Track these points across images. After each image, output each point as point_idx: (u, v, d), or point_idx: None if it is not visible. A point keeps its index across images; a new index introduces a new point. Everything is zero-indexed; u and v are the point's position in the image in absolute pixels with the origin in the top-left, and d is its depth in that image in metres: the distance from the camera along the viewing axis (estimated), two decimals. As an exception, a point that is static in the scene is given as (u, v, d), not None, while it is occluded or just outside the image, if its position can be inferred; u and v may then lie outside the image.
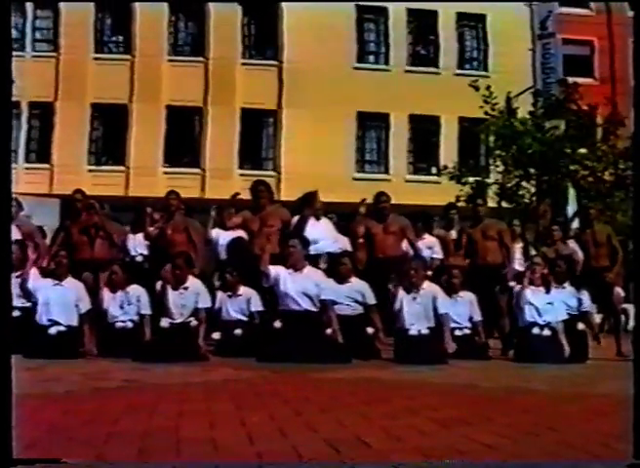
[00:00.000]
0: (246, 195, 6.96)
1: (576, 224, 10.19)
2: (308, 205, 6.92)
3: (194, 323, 6.13)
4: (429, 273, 6.84)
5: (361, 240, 7.17)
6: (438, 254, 7.53)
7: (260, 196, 6.78)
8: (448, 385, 4.52)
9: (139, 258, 7.24)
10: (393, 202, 7.22)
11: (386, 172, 19.35)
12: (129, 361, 5.42)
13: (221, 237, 7.37)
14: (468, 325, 6.43)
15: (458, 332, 6.32)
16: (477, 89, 14.87)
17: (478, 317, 6.47)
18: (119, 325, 6.06)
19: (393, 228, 6.97)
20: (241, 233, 6.92)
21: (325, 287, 6.08)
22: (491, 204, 13.13)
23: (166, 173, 18.36)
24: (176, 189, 7.48)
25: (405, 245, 7.10)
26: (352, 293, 6.28)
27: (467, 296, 6.49)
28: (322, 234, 7.08)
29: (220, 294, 6.40)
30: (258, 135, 19.13)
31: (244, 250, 6.72)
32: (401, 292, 6.20)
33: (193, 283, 6.22)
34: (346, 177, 18.49)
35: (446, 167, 16.13)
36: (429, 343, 5.94)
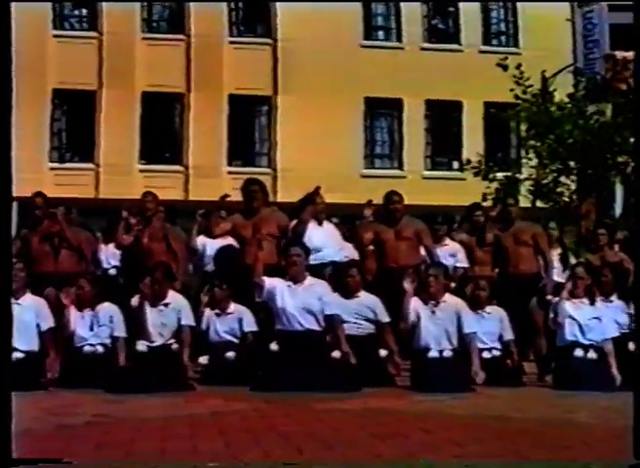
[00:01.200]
0: (237, 197, 7.04)
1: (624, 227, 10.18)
2: (309, 207, 6.95)
3: (177, 345, 6.16)
4: (452, 285, 6.84)
5: (370, 247, 7.19)
6: (462, 263, 7.51)
7: (252, 197, 6.80)
8: (474, 417, 4.50)
9: (111, 271, 7.28)
10: (407, 202, 7.21)
11: (400, 167, 19.42)
12: (100, 392, 5.45)
13: (208, 246, 7.42)
14: (498, 345, 6.43)
15: (486, 355, 6.31)
16: (506, 68, 14.87)
17: (509, 336, 6.47)
18: (88, 349, 6.06)
19: (407, 233, 6.99)
20: (231, 241, 6.96)
21: (330, 301, 6.15)
22: (523, 203, 13.12)
23: (142, 171, 18.42)
24: (154, 190, 7.53)
25: (421, 253, 7.14)
26: (361, 310, 6.33)
27: (497, 312, 6.49)
28: (325, 241, 7.11)
29: (207, 312, 6.43)
30: (249, 126, 19.19)
31: (234, 260, 6.74)
32: (417, 303, 6.19)
33: (175, 298, 6.27)
34: (353, 175, 18.54)
35: (470, 161, 16.15)
36: (452, 368, 5.95)
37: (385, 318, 6.37)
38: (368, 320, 6.34)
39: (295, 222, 6.86)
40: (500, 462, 2.21)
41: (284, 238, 6.70)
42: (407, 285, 6.14)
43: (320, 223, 7.21)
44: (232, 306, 6.42)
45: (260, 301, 6.14)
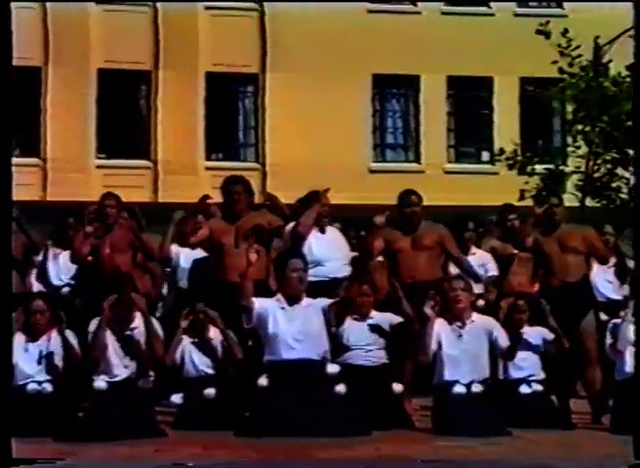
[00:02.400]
0: (217, 197, 7.12)
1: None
2: (314, 206, 7.00)
3: (145, 380, 6.18)
4: (481, 303, 6.87)
5: (380, 258, 7.25)
6: (492, 275, 7.62)
7: (235, 199, 6.86)
8: (509, 466, 4.52)
9: (64, 290, 7.32)
10: (427, 203, 7.27)
11: (417, 160, 19.47)
12: (48, 441, 5.43)
13: (183, 257, 7.49)
14: (540, 376, 6.45)
15: (524, 389, 6.34)
16: (548, 35, 14.87)
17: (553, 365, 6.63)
18: (33, 387, 6.11)
19: (427, 241, 7.04)
20: (209, 251, 7.03)
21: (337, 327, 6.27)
22: (570, 202, 13.15)
23: (101, 167, 18.47)
24: (115, 190, 7.59)
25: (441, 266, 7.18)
26: (374, 336, 6.42)
27: (538, 335, 6.58)
28: (328, 252, 7.16)
29: (181, 340, 6.47)
30: (231, 111, 19.27)
31: (214, 275, 6.81)
32: (439, 325, 6.23)
33: (145, 306, 6.35)
34: (359, 170, 18.62)
35: (503, 151, 16.20)
36: (484, 405, 5.96)
37: (402, 345, 6.44)
38: (381, 348, 6.41)
39: (290, 225, 6.91)
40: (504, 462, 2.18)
41: (276, 246, 6.79)
42: (428, 310, 6.19)
43: (322, 230, 7.25)
44: (212, 331, 6.45)
45: (248, 327, 6.21)
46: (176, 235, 7.22)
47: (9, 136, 3.17)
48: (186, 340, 6.45)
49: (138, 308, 6.25)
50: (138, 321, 6.29)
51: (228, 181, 7.01)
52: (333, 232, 7.41)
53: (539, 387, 6.41)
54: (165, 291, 7.73)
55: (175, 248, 7.39)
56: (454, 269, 7.14)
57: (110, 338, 6.20)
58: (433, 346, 6.18)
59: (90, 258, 7.09)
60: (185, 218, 7.24)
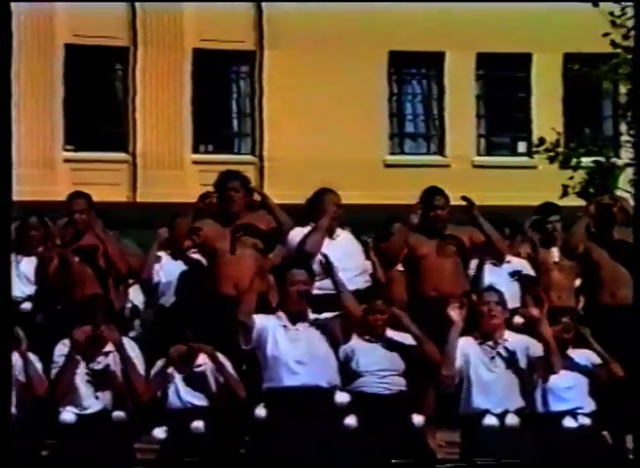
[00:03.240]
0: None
1: None
2: (318, 211, 7.06)
3: (121, 413, 6.20)
4: (518, 320, 6.88)
5: (400, 267, 7.27)
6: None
7: (231, 198, 6.93)
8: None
9: (24, 306, 7.33)
10: (453, 203, 7.32)
11: (441, 152, 19.47)
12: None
13: (169, 267, 7.54)
14: (589, 408, 6.46)
15: (569, 422, 6.33)
16: (596, 3, 14.85)
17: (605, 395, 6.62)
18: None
19: (455, 247, 7.13)
20: (199, 259, 7.11)
21: (347, 348, 6.27)
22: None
23: (68, 161, 18.48)
24: (86, 189, 7.61)
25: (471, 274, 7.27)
26: (391, 359, 6.44)
27: (585, 360, 6.56)
28: (339, 260, 7.08)
29: (164, 367, 6.48)
30: (223, 95, 19.30)
31: (205, 286, 6.85)
32: (467, 344, 6.26)
33: (119, 340, 6.36)
34: (374, 163, 18.64)
35: (543, 140, 16.18)
36: (520, 439, 5.97)
37: (423, 370, 6.47)
38: (399, 373, 6.43)
39: (296, 233, 6.96)
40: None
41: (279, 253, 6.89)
42: (453, 313, 6.24)
43: (332, 236, 7.30)
44: (201, 357, 6.46)
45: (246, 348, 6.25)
46: (166, 242, 7.28)
47: (9, 137, 3.59)
48: (171, 368, 6.46)
49: (112, 340, 6.28)
50: (111, 345, 6.33)
51: (224, 177, 7.08)
52: (344, 237, 7.44)
53: (587, 421, 6.40)
54: (141, 305, 7.79)
55: (164, 257, 7.49)
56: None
57: (81, 368, 6.24)
58: (459, 362, 6.21)
59: (55, 269, 7.09)
60: (174, 221, 7.29)
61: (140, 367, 6.37)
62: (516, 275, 7.57)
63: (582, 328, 6.58)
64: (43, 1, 17.62)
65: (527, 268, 7.68)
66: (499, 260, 7.48)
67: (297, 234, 7.07)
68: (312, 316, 6.30)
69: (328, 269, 6.35)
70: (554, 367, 6.29)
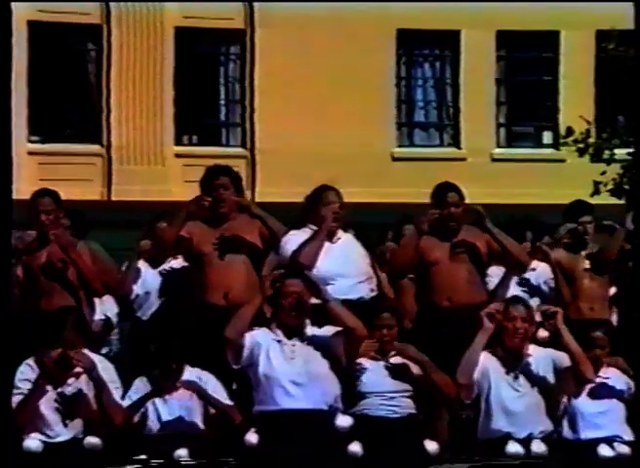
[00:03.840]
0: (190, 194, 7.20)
1: None
2: (318, 211, 7.09)
3: (94, 439, 6.19)
4: (543, 334, 6.90)
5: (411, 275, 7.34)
6: (556, 294, 7.67)
7: (220, 196, 6.95)
8: None
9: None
10: (469, 201, 7.37)
11: (455, 144, 19.48)
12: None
13: (147, 276, 7.60)
14: (627, 435, 6.47)
15: (604, 451, 6.33)
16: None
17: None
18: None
19: (471, 251, 7.16)
20: (183, 264, 7.19)
21: (349, 366, 6.32)
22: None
23: (34, 153, 18.45)
24: (53, 186, 7.59)
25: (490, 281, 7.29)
26: (398, 378, 6.47)
27: (622, 380, 6.59)
28: (339, 266, 7.21)
29: (145, 390, 6.49)
30: (210, 79, 19.29)
31: (191, 296, 6.89)
32: (487, 360, 6.28)
33: (90, 364, 6.36)
34: (379, 157, 18.63)
35: (571, 131, 16.16)
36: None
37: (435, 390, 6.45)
38: (408, 395, 6.45)
39: (292, 235, 6.98)
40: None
41: (273, 258, 6.88)
42: (486, 316, 6.28)
43: (332, 239, 7.31)
44: (187, 373, 6.49)
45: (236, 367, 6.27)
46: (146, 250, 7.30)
47: (8, 135, 3.90)
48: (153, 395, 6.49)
49: (83, 363, 6.29)
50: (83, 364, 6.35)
51: (211, 172, 7.09)
52: (346, 240, 7.45)
53: (625, 449, 6.39)
54: (115, 318, 7.82)
55: (143, 266, 7.58)
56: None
57: (48, 394, 6.25)
58: (476, 375, 6.24)
59: (20, 276, 7.08)
60: (158, 226, 7.33)
61: (115, 389, 6.38)
62: (541, 283, 7.60)
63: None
64: (43, 0, 17.77)
65: (550, 274, 7.72)
66: (520, 272, 7.50)
67: (292, 239, 7.09)
68: (311, 330, 6.31)
69: (313, 289, 6.35)
70: (585, 375, 6.32)
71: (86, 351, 6.42)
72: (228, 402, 6.40)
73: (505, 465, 6.03)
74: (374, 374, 6.43)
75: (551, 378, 6.30)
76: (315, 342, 6.27)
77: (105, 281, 7.03)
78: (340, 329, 6.29)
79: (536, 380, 6.28)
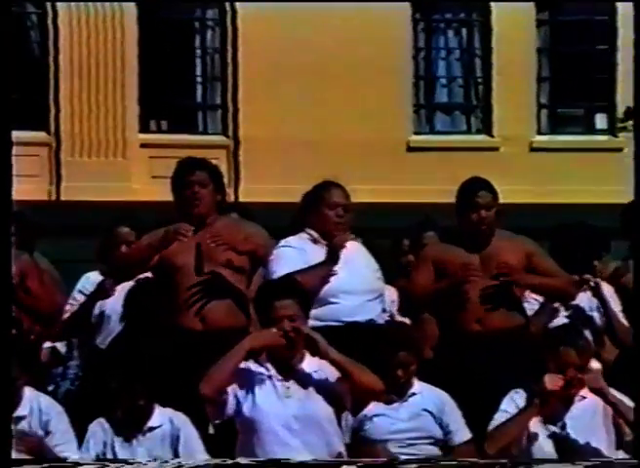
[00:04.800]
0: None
1: None
2: (317, 213, 7.18)
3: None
4: (596, 366, 6.92)
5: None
6: (618, 321, 7.66)
7: (196, 195, 7.01)
8: None
9: None
10: (503, 201, 7.42)
11: (486, 130, 19.50)
12: None
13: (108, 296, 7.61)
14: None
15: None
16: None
17: None
18: None
19: (505, 265, 7.22)
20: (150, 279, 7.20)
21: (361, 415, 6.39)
22: None
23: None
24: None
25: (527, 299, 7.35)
26: (421, 422, 6.59)
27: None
28: (343, 282, 7.27)
29: (104, 437, 6.50)
30: (182, 51, 19.35)
31: (161, 319, 6.95)
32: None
33: (32, 401, 6.42)
34: (392, 146, 18.65)
35: (630, 112, 16.16)
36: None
37: (464, 435, 6.57)
38: (433, 440, 6.52)
39: (285, 245, 7.06)
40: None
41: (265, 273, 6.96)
42: (549, 381, 6.41)
43: (334, 247, 7.32)
44: (157, 416, 6.51)
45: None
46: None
47: (9, 133, 4.59)
48: (110, 433, 6.52)
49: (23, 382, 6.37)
50: (27, 403, 6.41)
51: (184, 167, 7.13)
52: (352, 249, 7.45)
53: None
54: (63, 348, 7.86)
55: (96, 277, 7.60)
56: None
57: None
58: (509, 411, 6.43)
59: None
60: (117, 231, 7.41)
61: (66, 443, 6.44)
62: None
63: None
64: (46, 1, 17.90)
65: (610, 293, 7.76)
66: (567, 302, 7.56)
67: (285, 252, 7.14)
68: (309, 364, 6.32)
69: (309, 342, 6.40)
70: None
71: (28, 391, 6.47)
72: (202, 455, 6.42)
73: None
74: (388, 418, 6.51)
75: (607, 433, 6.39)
76: (315, 380, 6.28)
77: (55, 303, 7.06)
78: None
79: (587, 431, 6.40)
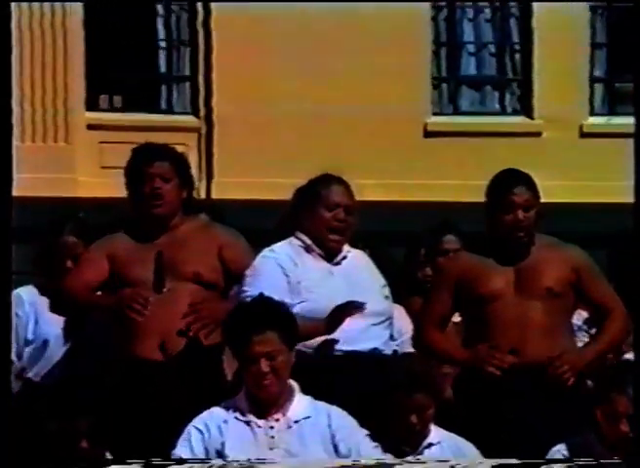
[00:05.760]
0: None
1: None
2: (313, 214, 7.27)
3: None
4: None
5: (456, 318, 7.50)
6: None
7: (156, 192, 7.10)
8: None
9: None
10: (547, 200, 7.50)
11: (525, 110, 19.54)
12: None
13: (45, 318, 7.69)
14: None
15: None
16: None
17: None
18: None
19: (548, 278, 7.32)
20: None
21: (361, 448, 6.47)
22: None
23: None
24: None
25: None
26: None
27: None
28: (346, 299, 7.29)
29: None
30: (141, 11, 19.42)
31: (111, 346, 7.04)
32: None
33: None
34: (407, 130, 18.64)
35: None
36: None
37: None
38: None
39: (257, 264, 7.10)
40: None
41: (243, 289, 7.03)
42: None
43: (333, 257, 7.46)
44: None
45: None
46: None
47: (9, 132, 5.38)
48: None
49: None
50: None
51: (142, 155, 7.26)
52: (354, 260, 7.58)
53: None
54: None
55: (29, 296, 7.71)
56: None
57: None
58: None
59: None
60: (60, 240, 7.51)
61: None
62: None
63: None
64: (44, 0, 18.02)
65: None
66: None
67: (267, 261, 7.21)
68: (300, 403, 6.41)
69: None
70: None
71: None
72: None
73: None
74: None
75: None
76: (306, 426, 6.39)
77: None
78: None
79: None
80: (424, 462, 6.47)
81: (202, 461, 6.09)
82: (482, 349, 7.08)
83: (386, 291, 7.56)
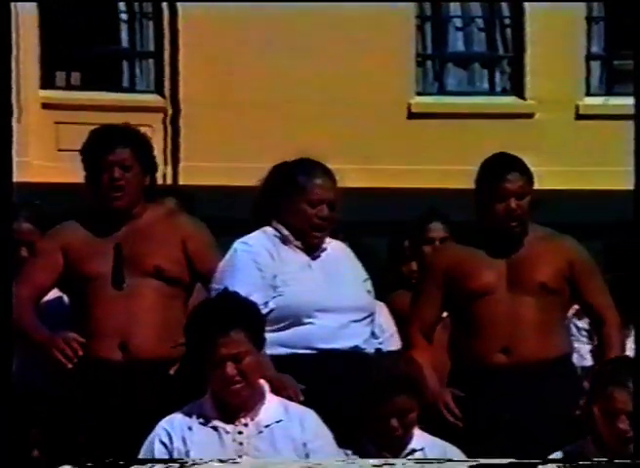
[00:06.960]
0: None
1: None
2: (289, 203, 7.25)
3: None
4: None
5: (444, 314, 7.53)
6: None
7: (115, 178, 7.08)
8: None
9: None
10: (541, 186, 7.52)
11: (516, 90, 19.58)
12: None
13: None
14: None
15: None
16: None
17: None
18: None
19: (542, 272, 7.38)
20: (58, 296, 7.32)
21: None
22: None
23: None
24: None
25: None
26: None
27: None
28: (324, 295, 7.32)
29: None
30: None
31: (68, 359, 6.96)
32: None
33: None
34: (389, 111, 18.68)
35: None
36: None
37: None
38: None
39: (226, 264, 7.08)
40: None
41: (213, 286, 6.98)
42: None
43: (313, 249, 7.43)
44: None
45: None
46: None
47: (9, 131, 5.61)
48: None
49: None
50: None
51: (101, 139, 7.22)
52: (334, 253, 7.55)
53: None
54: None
55: None
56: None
57: None
58: None
59: None
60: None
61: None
62: None
63: None
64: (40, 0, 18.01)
65: None
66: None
67: (238, 255, 7.17)
68: (271, 406, 6.43)
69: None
70: None
71: None
72: None
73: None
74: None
75: None
76: (279, 431, 6.42)
77: None
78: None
79: None
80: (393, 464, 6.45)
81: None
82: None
83: (368, 285, 7.52)
